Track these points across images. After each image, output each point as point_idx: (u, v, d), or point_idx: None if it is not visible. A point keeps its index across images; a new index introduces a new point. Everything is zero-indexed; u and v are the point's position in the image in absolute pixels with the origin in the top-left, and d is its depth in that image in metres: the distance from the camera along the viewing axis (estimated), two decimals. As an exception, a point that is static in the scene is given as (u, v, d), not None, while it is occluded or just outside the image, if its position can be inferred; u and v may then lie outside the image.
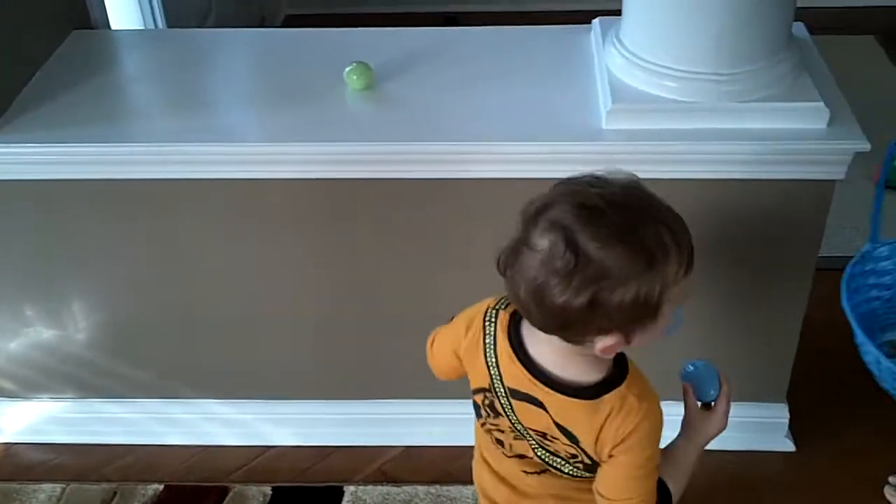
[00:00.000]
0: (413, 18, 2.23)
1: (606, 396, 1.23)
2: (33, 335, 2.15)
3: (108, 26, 2.42)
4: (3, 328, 2.15)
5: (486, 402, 1.33)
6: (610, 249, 1.09)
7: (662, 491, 1.34)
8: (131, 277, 2.05)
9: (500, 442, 1.37)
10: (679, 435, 1.46)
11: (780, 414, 2.18)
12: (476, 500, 2.05)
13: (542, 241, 1.12)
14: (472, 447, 2.12)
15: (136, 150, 1.80)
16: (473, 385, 1.35)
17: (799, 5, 1.78)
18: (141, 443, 2.28)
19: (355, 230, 1.93)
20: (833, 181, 1.78)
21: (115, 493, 2.16)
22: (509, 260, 1.16)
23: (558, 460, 1.31)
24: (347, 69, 1.87)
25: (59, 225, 1.97)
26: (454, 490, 2.10)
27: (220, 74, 2.06)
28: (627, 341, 1.16)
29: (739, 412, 2.13)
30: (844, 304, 1.52)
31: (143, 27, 2.90)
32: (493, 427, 1.35)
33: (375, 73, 1.89)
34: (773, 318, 2.03)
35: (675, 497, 1.37)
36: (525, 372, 1.26)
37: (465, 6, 4.00)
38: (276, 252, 1.98)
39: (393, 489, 2.13)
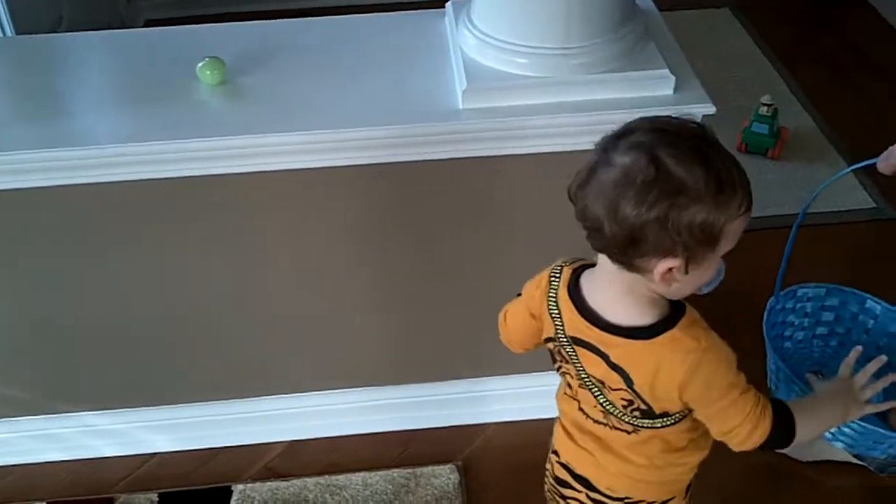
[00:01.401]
0: (269, 16, 2.21)
1: (660, 338, 1.26)
2: None
3: (-47, 36, 2.34)
4: None
5: (556, 349, 1.39)
6: (688, 167, 1.14)
7: (787, 425, 1.34)
8: (-5, 291, 1.99)
9: (569, 385, 1.42)
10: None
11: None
12: (366, 484, 2.07)
13: (624, 158, 1.16)
14: (356, 436, 2.14)
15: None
16: (545, 335, 1.40)
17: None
18: (19, 462, 2.23)
19: (224, 227, 1.92)
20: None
21: (-5, 515, 2.11)
22: (584, 179, 1.20)
23: (618, 409, 1.35)
24: (200, 65, 1.85)
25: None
26: (342, 479, 2.11)
27: (71, 78, 2.01)
28: (686, 269, 1.19)
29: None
30: (779, 362, 1.62)
31: (-10, 36, 2.81)
32: (565, 371, 1.41)
33: (229, 68, 1.87)
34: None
35: (801, 434, 1.36)
36: (582, 319, 1.31)
37: (317, 1, 4.01)
38: (145, 255, 1.95)
39: (282, 484, 2.12)
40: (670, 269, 1.19)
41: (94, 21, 3.67)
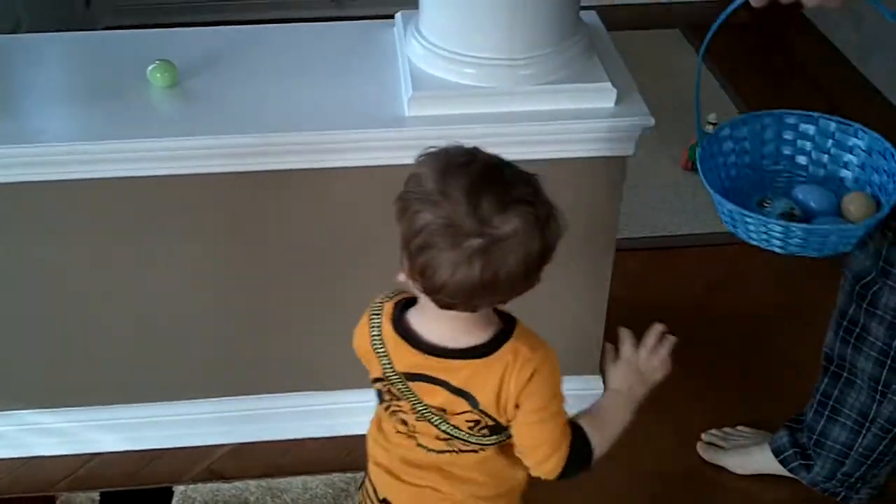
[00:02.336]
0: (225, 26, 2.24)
1: (499, 352, 1.29)
2: None
3: None
4: None
5: (385, 388, 1.37)
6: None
7: (584, 442, 1.39)
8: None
9: (404, 422, 1.39)
10: (607, 387, 1.51)
11: (595, 385, 2.27)
12: (307, 488, 2.08)
13: (508, 224, 1.17)
14: (298, 440, 2.14)
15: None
16: (372, 375, 1.39)
17: (606, 3, 1.88)
18: (-41, 460, 2.22)
19: (173, 227, 1.93)
20: (624, 157, 1.89)
21: (-69, 513, 2.10)
22: (483, 256, 1.17)
23: (462, 433, 1.35)
24: (151, 67, 1.87)
25: None
26: (284, 482, 2.12)
27: (24, 78, 2.02)
28: None
29: (581, 386, 2.23)
30: (704, 183, 1.63)
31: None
32: (397, 409, 1.38)
33: (179, 71, 1.89)
34: (581, 293, 2.13)
35: (598, 448, 1.41)
36: (416, 353, 1.30)
37: (281, 12, 4.05)
38: (88, 253, 1.96)
39: (223, 485, 2.13)
40: None
41: (51, 27, 3.67)
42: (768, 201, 1.75)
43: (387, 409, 1.40)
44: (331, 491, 2.11)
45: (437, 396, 1.31)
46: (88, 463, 2.22)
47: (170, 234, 1.94)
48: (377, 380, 1.38)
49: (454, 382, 1.29)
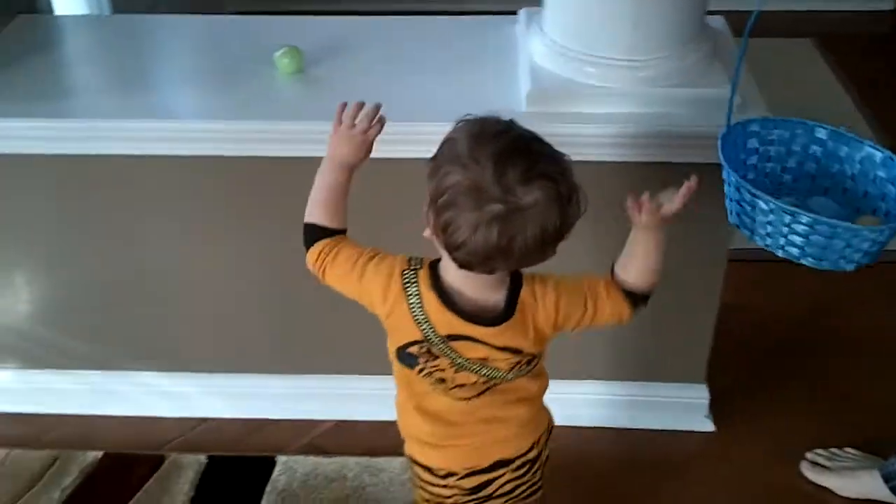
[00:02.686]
0: (347, 15, 2.30)
1: (520, 301, 1.37)
2: (-26, 306, 2.21)
3: (52, 12, 2.47)
4: (-56, 299, 2.20)
5: (423, 350, 1.40)
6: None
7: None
8: (71, 250, 2.11)
9: (441, 380, 1.43)
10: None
11: (700, 395, 2.26)
12: (404, 469, 2.12)
13: (534, 192, 1.22)
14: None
15: (70, 126, 1.87)
16: (402, 341, 1.42)
17: (734, 8, 1.86)
18: (81, 413, 2.34)
19: (288, 207, 1.99)
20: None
21: (55, 459, 2.22)
22: (507, 220, 1.22)
23: (500, 373, 1.42)
24: (278, 53, 1.94)
25: (0, 198, 2.03)
26: (383, 461, 2.17)
27: (158, 57, 2.13)
28: None
29: (661, 392, 2.23)
30: (721, 158, 1.59)
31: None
32: (433, 369, 1.42)
33: (305, 58, 1.95)
34: (691, 302, 2.11)
35: (657, 278, 1.50)
36: (457, 318, 1.36)
37: (404, 4, 4.08)
38: (211, 227, 2.05)
39: (323, 460, 2.20)
40: None
41: (184, 8, 3.81)
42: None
43: (420, 371, 1.43)
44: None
45: (478, 351, 1.38)
46: (198, 427, 2.32)
47: (285, 213, 2.00)
48: (412, 343, 1.40)
49: (497, 343, 1.38)
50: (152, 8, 3.44)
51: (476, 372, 1.41)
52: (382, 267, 1.42)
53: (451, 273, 1.35)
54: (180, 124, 1.88)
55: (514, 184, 1.21)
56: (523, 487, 1.56)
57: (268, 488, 2.15)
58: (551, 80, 1.85)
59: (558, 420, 2.25)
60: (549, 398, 2.24)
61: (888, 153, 1.65)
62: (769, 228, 1.58)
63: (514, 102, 1.85)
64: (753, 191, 1.55)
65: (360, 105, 1.51)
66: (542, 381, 1.55)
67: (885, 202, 1.66)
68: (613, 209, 1.94)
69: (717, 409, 2.29)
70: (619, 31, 1.79)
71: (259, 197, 1.99)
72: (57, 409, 2.34)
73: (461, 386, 1.43)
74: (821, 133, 1.73)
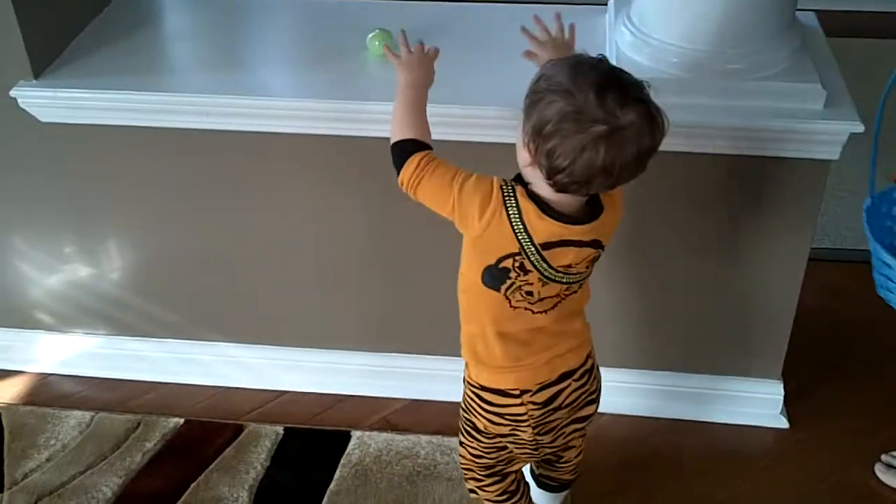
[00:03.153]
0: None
1: (604, 200, 1.51)
2: (70, 272, 2.30)
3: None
4: (43, 264, 2.30)
5: (517, 263, 1.50)
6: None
7: None
8: (162, 222, 2.19)
9: (529, 294, 1.54)
10: None
11: (775, 391, 2.25)
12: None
13: (630, 114, 1.36)
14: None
15: (172, 99, 1.94)
16: (497, 255, 1.51)
17: (825, 7, 1.84)
18: (164, 380, 2.43)
19: (375, 186, 2.04)
20: (828, 161, 1.85)
21: (138, 423, 2.30)
22: (610, 141, 1.35)
23: (582, 274, 1.56)
24: (370, 35, 1.98)
25: (98, 168, 2.11)
26: (454, 441, 2.18)
27: (255, 36, 2.19)
28: None
29: (736, 387, 2.23)
30: (867, 230, 1.59)
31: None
32: (522, 283, 1.52)
33: (395, 42, 1.99)
34: (769, 295, 2.10)
35: None
36: (555, 223, 1.46)
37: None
38: (298, 204, 2.11)
39: (397, 437, 2.24)
40: None
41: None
42: None
43: (508, 287, 1.53)
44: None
45: (567, 256, 1.50)
46: (277, 399, 2.38)
47: (375, 191, 2.04)
48: (507, 257, 1.50)
49: (586, 238, 1.49)
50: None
51: (560, 282, 1.53)
52: (482, 183, 1.50)
53: (545, 191, 1.46)
54: (275, 101, 1.93)
55: (613, 106, 1.34)
56: (584, 396, 1.69)
57: (342, 461, 2.20)
58: (638, 71, 1.83)
59: (638, 411, 2.29)
60: (628, 388, 2.28)
61: None
62: None
63: (600, 91, 1.86)
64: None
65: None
66: (588, 291, 1.66)
67: None
68: (696, 199, 1.96)
69: (791, 406, 2.29)
70: (707, 23, 1.79)
71: (349, 174, 2.04)
72: (143, 375, 2.43)
73: (543, 300, 1.55)
74: None
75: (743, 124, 1.80)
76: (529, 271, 1.50)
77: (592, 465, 2.17)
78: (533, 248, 1.47)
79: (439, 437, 2.23)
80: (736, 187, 1.92)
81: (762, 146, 1.82)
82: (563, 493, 2.00)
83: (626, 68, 1.81)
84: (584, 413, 1.73)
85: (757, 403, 2.26)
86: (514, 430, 1.69)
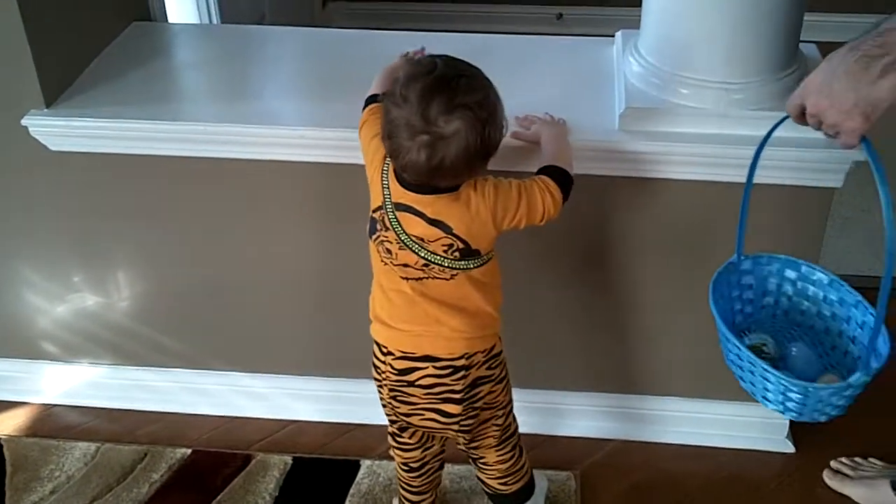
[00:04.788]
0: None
1: (462, 189, 1.59)
2: (78, 301, 2.31)
3: (166, 20, 2.58)
4: (51, 294, 2.30)
5: (381, 217, 1.65)
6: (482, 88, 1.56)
7: (568, 178, 1.71)
8: (172, 251, 2.20)
9: (389, 251, 1.66)
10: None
11: (780, 415, 2.26)
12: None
13: (455, 122, 1.48)
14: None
15: (182, 128, 1.96)
16: (373, 205, 1.68)
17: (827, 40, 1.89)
18: (171, 410, 2.42)
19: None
20: (832, 189, 1.89)
21: (145, 454, 2.30)
22: (437, 143, 1.49)
23: (437, 257, 1.63)
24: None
25: (107, 196, 2.13)
26: (465, 469, 2.20)
27: (266, 66, 2.22)
28: None
29: (742, 411, 2.24)
30: (712, 306, 1.65)
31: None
32: (384, 239, 1.66)
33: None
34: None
35: (569, 168, 1.72)
36: (401, 188, 1.60)
37: (507, 26, 4.18)
38: (308, 232, 2.13)
39: (406, 465, 2.24)
40: None
41: (291, 23, 3.93)
42: (749, 333, 1.78)
43: (375, 239, 1.68)
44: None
45: (416, 227, 1.61)
46: (286, 428, 2.39)
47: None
48: (377, 209, 1.66)
49: (429, 214, 1.59)
50: (259, 21, 3.56)
51: (416, 252, 1.63)
52: (381, 141, 1.62)
53: None
54: (283, 130, 1.95)
55: (436, 116, 1.47)
56: (442, 388, 1.73)
57: (351, 491, 2.21)
58: (645, 100, 1.89)
59: (644, 436, 2.31)
60: (633, 413, 2.30)
61: (860, 297, 1.69)
62: (750, 380, 1.66)
63: (609, 121, 1.90)
64: (741, 350, 1.62)
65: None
66: (489, 297, 1.72)
67: (855, 346, 1.71)
68: (698, 227, 1.99)
69: (797, 430, 2.31)
70: (714, 55, 1.83)
71: (358, 202, 2.05)
72: (149, 405, 2.43)
73: (405, 266, 1.66)
74: (812, 274, 1.77)
75: (744, 153, 1.82)
76: (388, 229, 1.63)
77: (600, 491, 2.21)
78: (390, 205, 1.62)
79: (449, 464, 2.22)
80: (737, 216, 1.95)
81: (767, 174, 1.83)
82: None
83: (634, 99, 1.88)
84: (444, 408, 1.76)
85: (763, 428, 2.28)
86: (379, 384, 1.82)
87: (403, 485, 1.99)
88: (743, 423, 2.27)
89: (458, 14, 4.50)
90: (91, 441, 2.34)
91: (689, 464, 2.27)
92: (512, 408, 1.92)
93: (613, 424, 2.33)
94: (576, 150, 1.85)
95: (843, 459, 2.24)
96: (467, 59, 2.12)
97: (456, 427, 1.81)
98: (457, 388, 1.73)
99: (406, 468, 1.95)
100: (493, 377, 1.79)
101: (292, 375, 2.37)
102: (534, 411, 2.31)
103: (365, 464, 2.26)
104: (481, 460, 1.94)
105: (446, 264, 1.63)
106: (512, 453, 1.93)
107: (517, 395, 2.29)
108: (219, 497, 2.20)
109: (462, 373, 1.72)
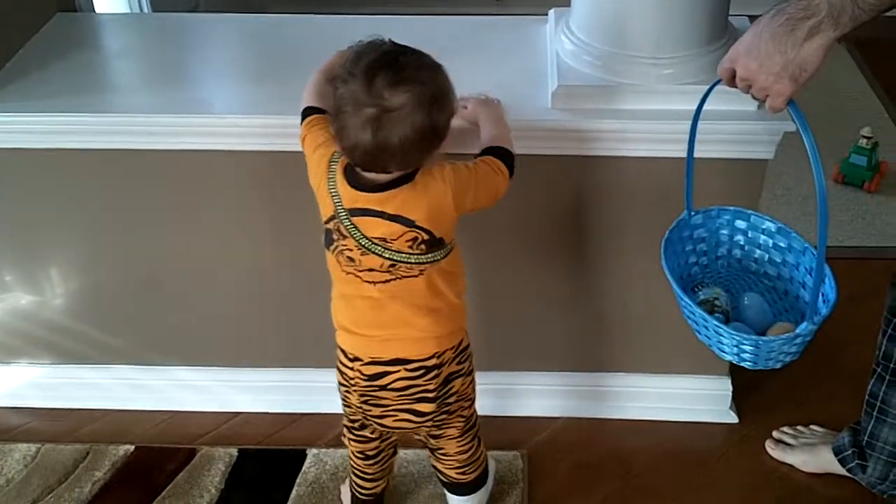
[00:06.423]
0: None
1: (419, 176, 1.57)
2: (12, 301, 2.26)
3: (93, 10, 2.53)
4: (-18, 294, 2.26)
5: (335, 227, 1.62)
6: (428, 72, 1.53)
7: (510, 157, 1.70)
8: (106, 245, 2.16)
9: (351, 259, 1.63)
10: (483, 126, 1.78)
11: (723, 387, 2.29)
12: (430, 464, 2.15)
13: (398, 94, 1.46)
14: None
15: (110, 120, 1.92)
16: (324, 217, 1.65)
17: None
18: (114, 408, 2.39)
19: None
20: (764, 161, 1.90)
21: (87, 453, 2.26)
22: (377, 124, 1.46)
23: (403, 254, 1.60)
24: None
25: (38, 193, 2.08)
26: (411, 454, 2.20)
27: (199, 54, 2.19)
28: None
29: (686, 384, 2.26)
30: (664, 265, 1.68)
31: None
32: (343, 248, 1.63)
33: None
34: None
35: (509, 147, 1.72)
36: (356, 191, 1.57)
37: (446, 8, 4.15)
38: (246, 222, 2.10)
39: (352, 453, 2.23)
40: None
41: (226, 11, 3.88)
42: (703, 286, 1.80)
43: (334, 250, 1.65)
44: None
45: (377, 228, 1.58)
46: (230, 421, 2.36)
47: (317, 208, 2.04)
48: (330, 219, 1.63)
49: (389, 210, 1.56)
50: (193, 9, 3.51)
51: (380, 255, 1.60)
52: (324, 150, 1.64)
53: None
54: (215, 119, 1.92)
55: (381, 90, 1.45)
56: (415, 390, 1.72)
57: (298, 480, 2.19)
58: (577, 78, 1.89)
59: (585, 412, 2.32)
60: (570, 390, 2.31)
61: (807, 244, 1.73)
62: (706, 334, 1.70)
63: (542, 99, 1.89)
64: (693, 307, 1.66)
65: None
66: (456, 287, 1.72)
67: (805, 291, 1.75)
68: (637, 202, 2.00)
69: (740, 401, 2.34)
70: (644, 30, 1.83)
71: (299, 192, 2.03)
72: (91, 403, 2.40)
73: (371, 270, 1.63)
74: (761, 223, 1.81)
75: (675, 127, 1.83)
76: (346, 237, 1.60)
77: (546, 469, 2.22)
78: (343, 212, 1.59)
79: (401, 448, 2.22)
80: (673, 189, 1.95)
81: (698, 148, 1.84)
82: (467, 499, 2.01)
83: (566, 77, 1.88)
84: (418, 408, 1.75)
85: (707, 400, 2.29)
86: (346, 390, 1.80)
87: (358, 472, 1.97)
88: (687, 395, 2.29)
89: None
90: (31, 442, 2.30)
91: (635, 438, 2.28)
92: (475, 397, 1.91)
93: (560, 402, 2.34)
94: (511, 129, 1.85)
95: (786, 428, 2.26)
96: (401, 40, 2.12)
97: (429, 424, 1.80)
98: (430, 387, 1.72)
99: (362, 456, 1.94)
100: (462, 371, 1.78)
101: (235, 367, 2.34)
102: (482, 394, 2.31)
103: (311, 452, 2.25)
104: (440, 451, 1.93)
105: (413, 260, 1.61)
106: (472, 444, 1.93)
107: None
108: (163, 493, 2.17)
109: (434, 372, 1.71)
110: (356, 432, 1.90)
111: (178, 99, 1.97)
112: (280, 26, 2.29)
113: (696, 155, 1.83)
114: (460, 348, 1.76)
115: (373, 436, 1.90)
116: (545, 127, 1.86)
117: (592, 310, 2.21)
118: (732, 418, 2.31)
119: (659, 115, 1.83)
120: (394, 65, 1.47)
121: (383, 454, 1.95)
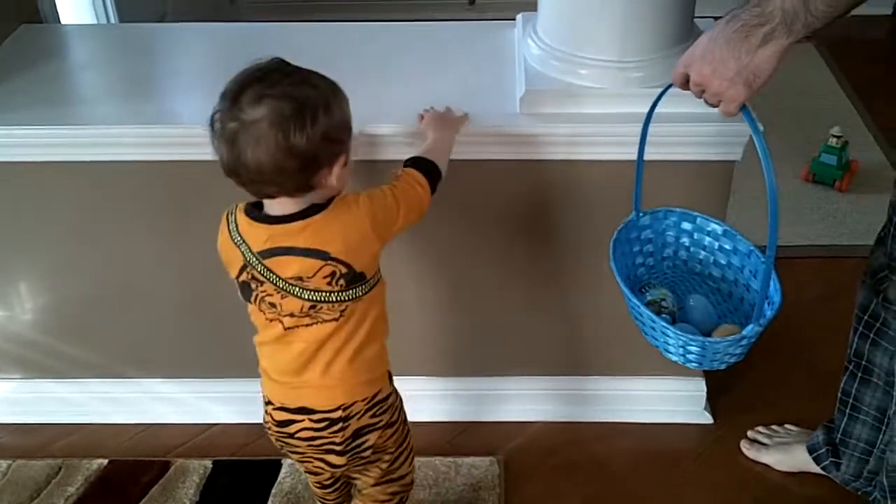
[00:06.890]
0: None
1: (331, 206, 1.50)
2: (-20, 316, 2.24)
3: (58, 21, 2.51)
4: (-49, 310, 2.23)
5: (249, 276, 1.55)
6: (307, 86, 1.46)
7: (435, 171, 1.67)
8: (75, 258, 2.14)
9: (272, 305, 1.56)
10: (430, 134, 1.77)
11: (698, 388, 2.29)
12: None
13: (259, 109, 1.39)
14: (413, 423, 2.21)
15: (77, 133, 1.91)
16: (234, 271, 1.58)
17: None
18: (86, 422, 2.37)
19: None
20: (732, 162, 1.91)
21: (59, 468, 2.24)
22: (232, 140, 1.41)
23: (323, 293, 1.52)
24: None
25: (3, 206, 2.06)
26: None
27: (167, 64, 2.17)
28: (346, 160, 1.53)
29: (660, 386, 2.27)
30: (612, 266, 1.68)
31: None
32: (263, 294, 1.55)
33: (309, 64, 1.98)
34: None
35: (444, 169, 1.69)
36: (262, 226, 1.51)
37: (419, 13, 4.17)
38: (213, 233, 2.07)
39: (327, 462, 2.22)
40: (343, 166, 1.48)
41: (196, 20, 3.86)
42: (649, 287, 1.80)
43: (255, 299, 1.57)
44: (431, 473, 2.19)
45: (290, 266, 1.50)
46: (205, 432, 2.35)
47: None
48: (242, 269, 1.55)
49: (300, 244, 1.49)
50: (161, 19, 3.49)
51: (299, 296, 1.52)
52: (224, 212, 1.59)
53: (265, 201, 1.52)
54: (183, 130, 1.90)
55: (244, 104, 1.39)
56: (321, 441, 1.64)
57: (273, 490, 2.19)
58: (545, 82, 1.89)
59: (561, 416, 2.31)
60: (546, 394, 2.31)
61: (752, 247, 1.73)
62: (652, 335, 1.70)
63: (510, 104, 1.89)
64: (640, 308, 1.65)
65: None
66: (379, 329, 1.65)
67: (749, 293, 1.75)
68: (606, 205, 2.00)
69: (714, 402, 2.35)
70: (610, 34, 1.83)
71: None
72: (63, 418, 2.38)
73: (291, 315, 1.56)
74: (707, 225, 1.81)
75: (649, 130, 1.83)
76: (263, 281, 1.53)
77: (523, 473, 2.22)
78: (254, 258, 1.52)
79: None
80: (643, 192, 1.96)
81: (666, 150, 1.85)
82: None
83: (535, 81, 1.88)
84: (328, 459, 1.67)
85: (681, 401, 2.30)
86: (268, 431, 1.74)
87: (319, 499, 1.90)
88: (662, 397, 2.29)
89: (372, 3, 4.47)
90: (2, 458, 2.27)
91: (611, 441, 2.28)
92: (406, 454, 1.81)
93: (536, 407, 2.34)
94: (478, 135, 1.86)
95: (760, 428, 2.27)
96: (366, 46, 2.12)
97: (345, 471, 1.74)
98: (336, 440, 1.63)
99: (318, 485, 1.85)
100: (378, 424, 1.67)
101: (208, 378, 2.33)
102: (455, 400, 2.31)
103: (286, 462, 2.24)
104: (358, 484, 1.85)
105: (334, 298, 1.53)
106: (389, 500, 1.82)
107: (440, 384, 2.30)
108: (138, 506, 2.16)
109: (339, 425, 1.61)
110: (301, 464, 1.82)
111: (145, 110, 1.96)
112: (249, 36, 2.28)
113: (665, 158, 1.85)
114: (374, 401, 1.65)
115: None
116: (513, 133, 1.86)
117: (566, 314, 2.21)
118: (707, 419, 2.32)
119: (627, 118, 1.83)
120: (264, 81, 1.42)
121: (339, 481, 1.86)
